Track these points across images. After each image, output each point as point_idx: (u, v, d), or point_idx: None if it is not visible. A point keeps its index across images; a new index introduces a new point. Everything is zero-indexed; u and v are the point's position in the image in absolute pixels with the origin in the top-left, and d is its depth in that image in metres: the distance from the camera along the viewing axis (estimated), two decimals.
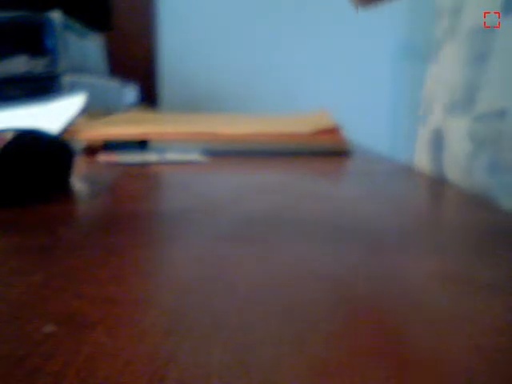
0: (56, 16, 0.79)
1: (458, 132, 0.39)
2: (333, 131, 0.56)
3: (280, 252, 0.20)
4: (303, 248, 0.21)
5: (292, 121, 0.66)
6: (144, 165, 0.44)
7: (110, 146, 0.53)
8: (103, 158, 0.47)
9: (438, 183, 0.37)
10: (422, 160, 0.48)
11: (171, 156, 0.48)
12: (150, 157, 0.47)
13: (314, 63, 2.05)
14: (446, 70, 0.42)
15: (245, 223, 0.25)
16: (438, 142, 0.43)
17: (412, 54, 1.97)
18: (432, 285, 0.17)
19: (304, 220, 0.25)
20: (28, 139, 0.30)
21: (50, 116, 0.49)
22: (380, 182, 0.37)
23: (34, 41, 0.79)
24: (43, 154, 0.30)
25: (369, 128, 1.99)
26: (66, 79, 0.79)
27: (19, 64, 0.79)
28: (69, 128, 0.51)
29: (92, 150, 0.52)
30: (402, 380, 0.11)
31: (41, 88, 0.78)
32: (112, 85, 1.03)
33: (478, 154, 0.37)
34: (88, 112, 0.63)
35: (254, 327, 0.14)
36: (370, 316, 0.15)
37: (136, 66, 1.99)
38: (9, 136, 0.29)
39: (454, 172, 0.40)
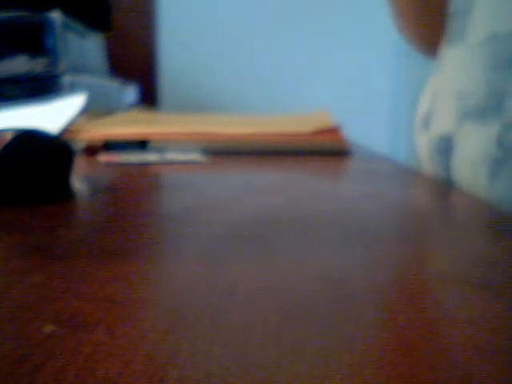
0: (56, 16, 0.79)
1: (481, 139, 0.37)
2: (333, 131, 0.56)
3: (280, 252, 0.20)
4: (304, 248, 0.21)
5: (292, 121, 0.66)
6: (144, 165, 0.44)
7: (110, 145, 0.53)
8: (103, 158, 0.47)
9: (439, 184, 0.37)
10: (426, 167, 0.47)
11: (171, 156, 0.48)
12: (150, 157, 0.47)
13: (314, 63, 2.05)
14: (454, 78, 0.41)
15: (245, 223, 0.25)
16: (447, 149, 0.42)
17: (412, 53, 1.97)
18: (432, 284, 0.17)
19: (304, 220, 0.25)
20: (28, 139, 0.30)
21: (50, 116, 0.49)
22: (380, 182, 0.37)
23: (34, 41, 0.79)
24: (43, 154, 0.30)
25: (369, 128, 1.98)
26: (66, 79, 0.79)
27: (19, 64, 0.79)
28: (69, 128, 0.51)
29: (92, 150, 0.52)
30: (403, 379, 0.11)
31: (41, 88, 0.78)
32: (112, 85, 1.03)
33: (505, 163, 0.35)
34: (88, 112, 0.63)
35: (254, 327, 0.14)
36: (370, 315, 0.15)
37: (136, 66, 1.99)
38: (9, 136, 0.29)
39: (467, 179, 0.39)
